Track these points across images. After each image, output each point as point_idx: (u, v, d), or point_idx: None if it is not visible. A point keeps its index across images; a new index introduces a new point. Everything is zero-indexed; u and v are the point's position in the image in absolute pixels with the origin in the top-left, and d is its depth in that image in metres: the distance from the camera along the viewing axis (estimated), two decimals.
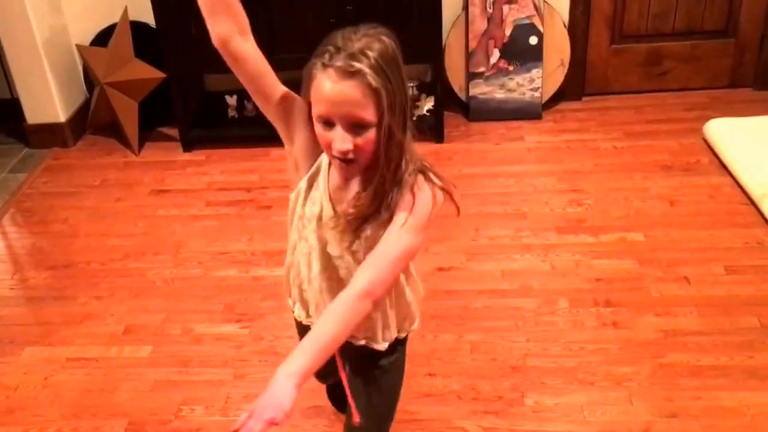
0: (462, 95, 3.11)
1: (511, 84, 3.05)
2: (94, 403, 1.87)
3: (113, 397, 1.89)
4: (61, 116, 3.09)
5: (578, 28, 3.06)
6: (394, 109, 1.03)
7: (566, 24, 3.03)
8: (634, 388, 1.80)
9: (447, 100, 3.04)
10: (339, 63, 1.00)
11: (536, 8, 2.93)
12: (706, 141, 2.79)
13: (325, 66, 1.01)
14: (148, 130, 3.14)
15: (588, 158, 2.79)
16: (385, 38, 1.04)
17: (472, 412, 1.77)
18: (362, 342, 1.27)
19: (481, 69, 3.03)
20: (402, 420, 1.76)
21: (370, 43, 1.02)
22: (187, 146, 3.05)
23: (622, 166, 2.72)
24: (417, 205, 1.09)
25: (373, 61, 1.00)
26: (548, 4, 2.95)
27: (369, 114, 1.02)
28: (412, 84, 3.09)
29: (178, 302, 2.21)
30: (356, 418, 1.30)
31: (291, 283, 1.29)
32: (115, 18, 2.95)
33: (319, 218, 1.16)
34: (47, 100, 3.05)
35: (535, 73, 3.01)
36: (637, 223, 2.40)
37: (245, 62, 1.08)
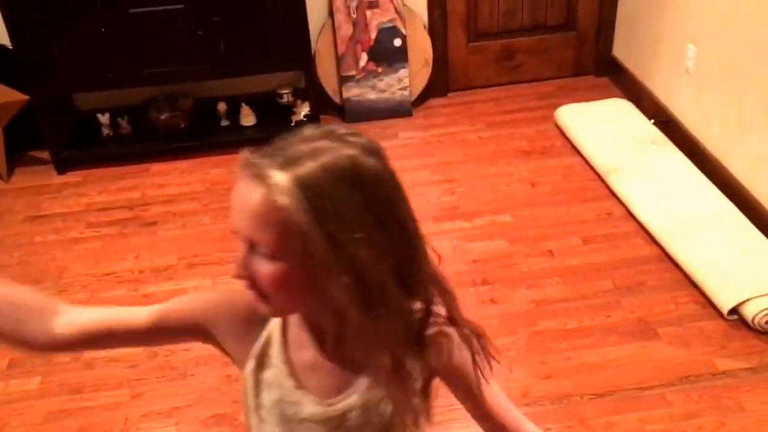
0: (336, 98, 3.22)
1: (381, 85, 3.19)
2: None
3: None
4: None
5: (437, 29, 3.24)
6: (331, 264, 0.72)
7: (426, 26, 3.21)
8: (513, 357, 1.97)
9: (323, 104, 3.13)
10: (257, 160, 0.74)
11: (397, 12, 3.08)
12: (557, 126, 3.05)
13: (247, 162, 0.76)
14: (17, 155, 3.00)
15: (457, 149, 2.98)
16: (351, 154, 0.74)
17: None
18: None
19: (352, 72, 3.15)
20: None
21: (320, 152, 0.73)
22: (62, 168, 2.95)
23: (488, 155, 2.93)
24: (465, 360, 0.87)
25: (302, 173, 0.71)
26: (408, 7, 3.12)
27: (265, 239, 0.73)
28: (286, 92, 3.14)
29: None
30: None
31: None
32: None
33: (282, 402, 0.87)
34: None
35: (403, 73, 3.17)
36: (504, 206, 2.61)
37: (92, 337, 0.85)
